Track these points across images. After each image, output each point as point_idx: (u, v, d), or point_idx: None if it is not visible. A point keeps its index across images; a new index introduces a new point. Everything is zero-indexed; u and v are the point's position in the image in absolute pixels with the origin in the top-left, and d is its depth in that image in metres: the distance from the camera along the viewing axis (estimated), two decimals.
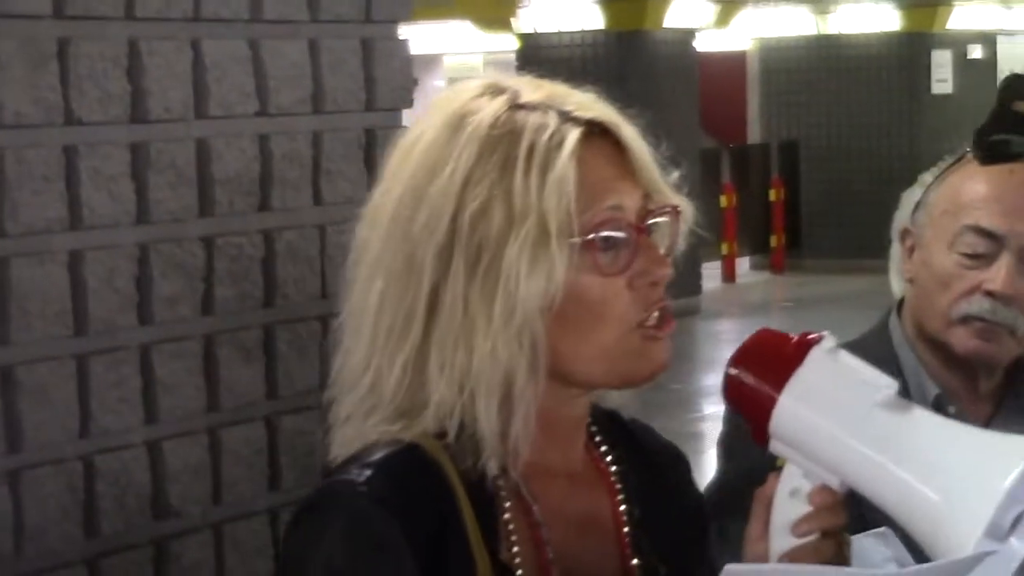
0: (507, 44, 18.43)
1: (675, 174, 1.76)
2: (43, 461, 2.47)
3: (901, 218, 2.56)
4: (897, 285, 2.57)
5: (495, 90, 1.72)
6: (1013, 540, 1.48)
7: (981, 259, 2.41)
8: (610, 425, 1.85)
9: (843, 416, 1.57)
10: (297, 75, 2.86)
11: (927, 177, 2.55)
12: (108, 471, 2.55)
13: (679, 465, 1.92)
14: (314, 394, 2.87)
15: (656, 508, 1.74)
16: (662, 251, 1.72)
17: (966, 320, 2.42)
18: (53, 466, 2.49)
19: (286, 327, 2.83)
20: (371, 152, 2.99)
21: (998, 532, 1.45)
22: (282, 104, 2.83)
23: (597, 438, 1.82)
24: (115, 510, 2.56)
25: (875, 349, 2.45)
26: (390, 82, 3.03)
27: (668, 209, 1.73)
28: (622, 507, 1.79)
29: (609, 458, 1.81)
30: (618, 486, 1.80)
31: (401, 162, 1.72)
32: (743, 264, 19.22)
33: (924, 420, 1.57)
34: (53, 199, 2.49)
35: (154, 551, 2.62)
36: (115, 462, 2.56)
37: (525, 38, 17.48)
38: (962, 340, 2.43)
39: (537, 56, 16.83)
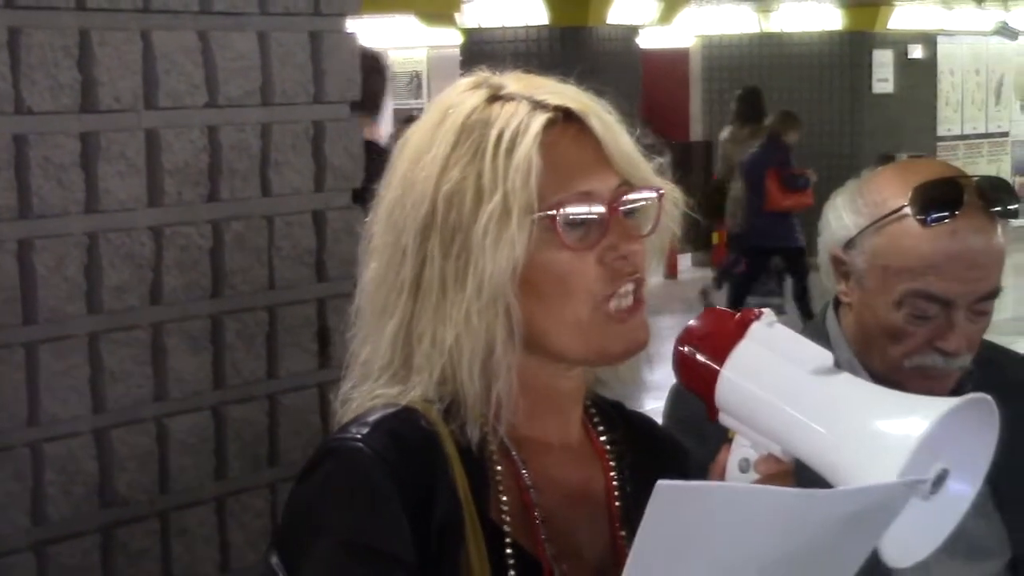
0: (451, 39, 18.44)
1: (657, 161, 1.87)
2: None
3: (829, 236, 2.54)
4: (830, 284, 2.58)
5: (480, 84, 1.84)
6: (952, 492, 1.55)
7: (931, 316, 2.43)
8: (611, 412, 1.95)
9: (779, 386, 1.64)
10: (246, 67, 2.87)
11: (855, 201, 2.50)
12: (56, 459, 2.57)
13: (678, 454, 2.00)
14: (261, 384, 2.90)
15: (650, 488, 1.81)
16: (645, 231, 1.81)
17: (919, 370, 2.44)
18: (1, 453, 2.50)
19: (234, 317, 2.85)
20: (319, 144, 3.01)
21: (916, 484, 1.52)
22: (231, 95, 2.84)
23: (596, 419, 1.91)
24: (62, 497, 2.58)
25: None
26: (338, 75, 3.05)
27: (647, 192, 1.79)
28: (615, 482, 1.87)
29: (604, 437, 1.90)
30: (612, 462, 1.89)
31: (399, 154, 1.85)
32: (685, 260, 19.29)
33: (852, 385, 1.64)
34: (3, 188, 2.50)
35: (101, 538, 2.63)
36: (63, 450, 2.58)
37: (469, 33, 17.49)
38: (913, 383, 2.43)
39: (481, 51, 16.84)
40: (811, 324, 2.62)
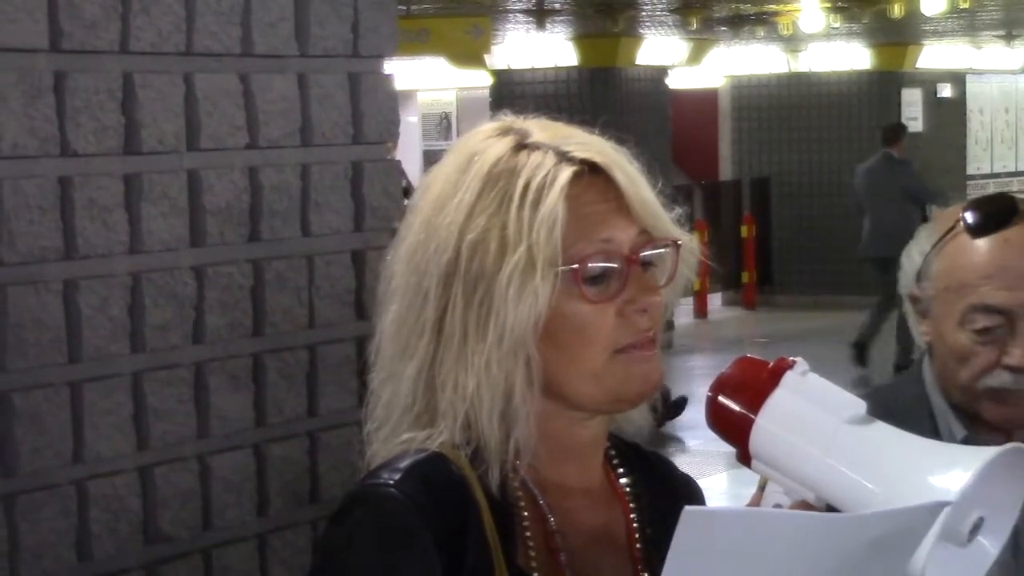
0: (481, 80, 18.52)
1: (676, 211, 1.86)
2: (37, 486, 2.52)
3: (904, 278, 2.56)
4: (918, 335, 2.58)
5: (505, 131, 1.84)
6: (983, 540, 1.57)
7: (994, 331, 2.43)
8: (630, 454, 1.96)
9: (813, 434, 1.66)
10: (286, 108, 2.91)
11: (922, 238, 2.53)
12: (100, 496, 2.60)
13: (694, 495, 2.01)
14: (302, 421, 2.93)
15: (669, 530, 1.83)
16: (661, 282, 1.81)
17: (991, 392, 2.45)
18: (47, 491, 2.53)
19: (274, 355, 2.88)
20: (358, 184, 3.04)
21: (954, 535, 1.53)
22: (271, 137, 2.88)
23: (615, 461, 1.93)
24: (107, 535, 2.60)
25: (909, 390, 2.52)
26: (376, 116, 3.09)
27: (665, 243, 1.81)
28: (635, 524, 1.89)
29: (624, 480, 1.92)
30: (632, 505, 1.90)
31: (421, 196, 1.86)
32: (715, 300, 19.31)
33: (887, 434, 1.66)
34: (48, 229, 2.54)
35: (145, 575, 2.66)
36: (107, 487, 2.61)
37: (498, 74, 17.57)
38: (990, 410, 2.44)
39: (510, 92, 16.93)
40: (910, 371, 2.62)
